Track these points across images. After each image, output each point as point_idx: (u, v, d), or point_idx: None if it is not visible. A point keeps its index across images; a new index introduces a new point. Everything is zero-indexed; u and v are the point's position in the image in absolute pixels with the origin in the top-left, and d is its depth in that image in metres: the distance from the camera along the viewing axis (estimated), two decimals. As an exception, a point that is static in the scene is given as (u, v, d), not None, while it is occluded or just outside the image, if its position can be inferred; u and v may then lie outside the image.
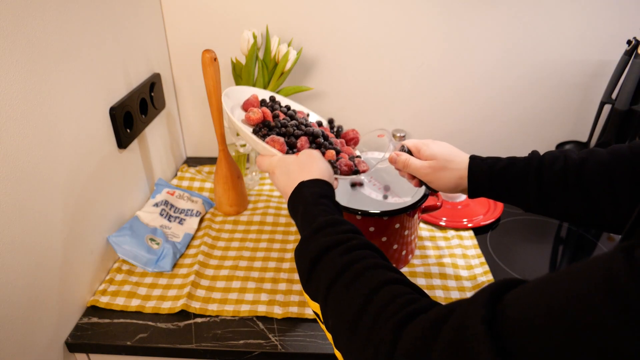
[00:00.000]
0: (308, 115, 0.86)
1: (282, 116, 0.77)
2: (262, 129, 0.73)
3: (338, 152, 0.75)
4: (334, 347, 0.43)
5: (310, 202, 0.56)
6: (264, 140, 0.70)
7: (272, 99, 0.84)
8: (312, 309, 0.49)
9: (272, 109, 0.79)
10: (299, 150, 0.71)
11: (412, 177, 0.73)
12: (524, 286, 0.31)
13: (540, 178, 0.60)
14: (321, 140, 0.74)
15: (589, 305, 0.26)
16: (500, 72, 1.11)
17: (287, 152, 0.70)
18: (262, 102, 0.82)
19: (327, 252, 0.47)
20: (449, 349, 0.32)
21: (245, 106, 0.80)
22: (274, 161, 0.67)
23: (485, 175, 0.64)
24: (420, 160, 0.70)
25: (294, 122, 0.76)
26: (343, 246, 0.47)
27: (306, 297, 0.50)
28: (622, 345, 0.24)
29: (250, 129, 0.74)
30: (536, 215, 1.03)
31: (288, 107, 0.81)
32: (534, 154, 0.64)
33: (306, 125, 0.76)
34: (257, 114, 0.74)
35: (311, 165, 0.62)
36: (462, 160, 0.67)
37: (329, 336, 0.45)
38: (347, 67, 1.12)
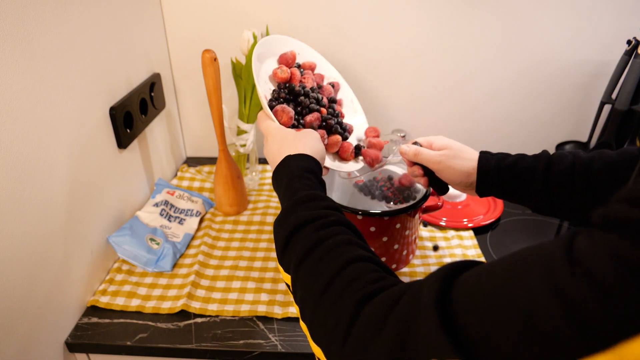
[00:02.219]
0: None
1: (309, 85, 0.74)
2: (283, 90, 0.71)
3: (345, 139, 0.74)
4: (300, 319, 0.45)
5: (296, 174, 0.55)
6: (277, 104, 0.69)
7: (310, 67, 0.80)
8: (284, 280, 0.50)
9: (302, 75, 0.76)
10: (305, 125, 0.70)
11: (422, 175, 0.72)
12: (477, 267, 0.33)
13: (548, 173, 0.61)
14: (333, 122, 0.72)
15: (526, 285, 0.27)
16: (500, 73, 1.11)
17: (292, 126, 0.69)
18: (298, 66, 0.78)
19: (304, 225, 0.48)
20: (399, 322, 0.34)
21: (281, 60, 0.76)
22: (271, 127, 0.66)
23: (494, 169, 0.64)
24: (432, 150, 0.69)
25: (315, 95, 0.73)
26: (320, 221, 0.48)
27: (280, 269, 0.50)
28: (552, 327, 0.25)
29: (266, 86, 0.72)
30: (536, 215, 1.04)
31: (315, 88, 0.76)
32: (544, 152, 0.64)
33: (322, 105, 0.74)
34: (285, 73, 0.72)
35: (306, 142, 0.62)
36: (472, 153, 0.67)
37: (296, 308, 0.46)
38: (346, 67, 1.12)
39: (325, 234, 0.46)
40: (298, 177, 0.55)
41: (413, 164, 0.72)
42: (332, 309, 0.39)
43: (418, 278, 0.83)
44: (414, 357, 0.31)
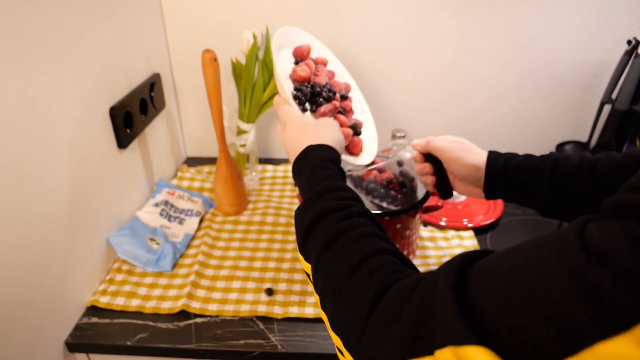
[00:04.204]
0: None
1: (323, 82, 0.75)
2: (306, 87, 0.72)
3: (357, 134, 0.75)
4: (320, 308, 0.45)
5: (317, 165, 0.56)
6: (301, 96, 0.70)
7: (323, 62, 0.81)
8: (304, 269, 0.50)
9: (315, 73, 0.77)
10: (318, 115, 0.70)
11: (431, 172, 0.71)
12: (491, 255, 0.33)
13: (555, 173, 0.61)
14: (344, 116, 0.74)
15: (542, 271, 0.28)
16: (500, 72, 1.11)
17: (304, 111, 0.70)
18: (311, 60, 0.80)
19: (326, 216, 0.48)
20: (416, 311, 0.34)
21: (296, 52, 0.77)
22: (291, 114, 0.65)
23: (502, 169, 0.65)
24: (444, 140, 0.70)
25: (329, 87, 0.75)
26: (342, 212, 0.48)
27: (300, 257, 0.51)
28: (569, 311, 0.26)
29: (284, 74, 0.72)
30: (536, 215, 1.04)
31: (328, 82, 0.77)
32: (551, 153, 0.65)
33: (336, 97, 0.75)
34: (305, 71, 0.73)
35: (327, 132, 0.62)
36: (482, 151, 0.68)
37: (317, 297, 0.46)
38: (347, 67, 1.12)
39: (347, 225, 0.46)
40: (320, 168, 0.55)
41: (424, 160, 0.72)
42: (352, 301, 0.40)
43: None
44: (430, 345, 0.32)
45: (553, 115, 1.17)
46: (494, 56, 1.09)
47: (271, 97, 1.05)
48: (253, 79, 1.01)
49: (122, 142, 0.86)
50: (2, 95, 0.57)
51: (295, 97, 0.70)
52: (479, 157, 0.66)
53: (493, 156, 0.66)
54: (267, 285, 0.82)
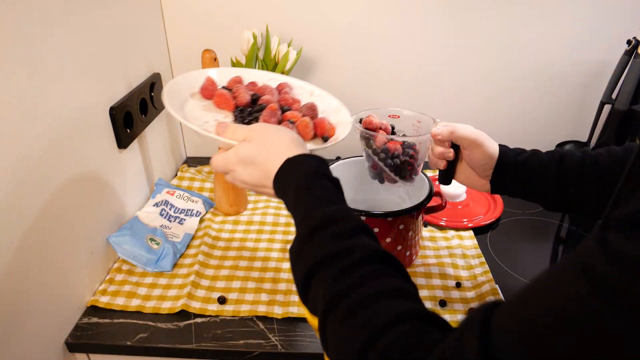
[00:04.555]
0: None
1: (245, 98, 0.69)
2: (237, 112, 0.66)
3: (314, 117, 0.68)
4: None
5: (303, 185, 0.47)
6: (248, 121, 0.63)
7: (236, 81, 0.74)
8: (309, 322, 0.44)
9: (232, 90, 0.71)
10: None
11: (453, 157, 0.70)
12: (507, 305, 0.32)
13: (560, 167, 0.63)
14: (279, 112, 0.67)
15: (575, 301, 0.27)
16: (499, 72, 1.11)
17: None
18: (224, 88, 0.73)
19: (325, 266, 0.41)
20: None
21: (204, 92, 0.71)
22: (229, 155, 0.54)
23: (512, 163, 0.66)
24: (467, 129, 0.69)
25: (255, 97, 0.69)
26: (345, 262, 0.40)
27: (304, 309, 0.45)
28: (613, 333, 0.25)
29: (201, 122, 0.65)
30: (536, 215, 1.04)
31: (255, 94, 0.71)
32: (557, 149, 0.67)
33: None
34: (244, 98, 0.68)
35: (279, 140, 0.52)
36: (495, 143, 0.69)
37: (326, 356, 0.41)
38: (347, 67, 1.12)
39: (354, 282, 0.39)
40: (306, 189, 0.46)
41: (450, 146, 0.70)
42: None
43: (419, 279, 0.83)
44: None
45: (553, 115, 1.17)
46: (493, 56, 1.09)
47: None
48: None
49: (122, 142, 0.86)
50: (2, 95, 0.57)
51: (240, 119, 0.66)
52: (494, 148, 0.67)
53: (504, 149, 0.68)
54: (267, 285, 0.82)
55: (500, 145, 0.68)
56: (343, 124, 0.71)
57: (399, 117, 0.79)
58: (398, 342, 0.34)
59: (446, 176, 0.73)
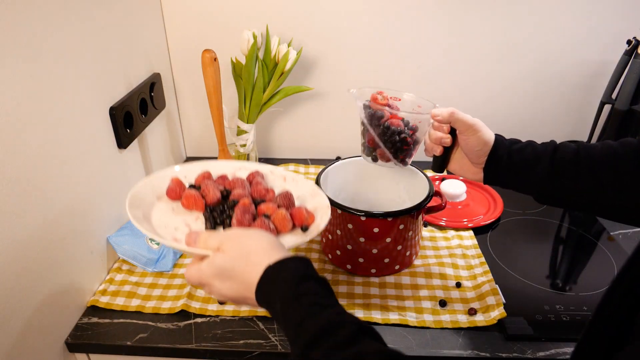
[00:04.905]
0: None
1: (215, 197, 0.66)
2: (207, 213, 0.64)
3: (289, 206, 0.66)
4: None
5: (288, 296, 0.43)
6: (220, 222, 0.61)
7: (204, 176, 0.71)
8: None
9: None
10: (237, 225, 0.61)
11: (448, 145, 0.70)
12: None
13: (554, 157, 0.63)
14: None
15: None
16: (500, 72, 1.11)
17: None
18: (191, 186, 0.69)
19: None
20: None
21: (170, 194, 0.67)
22: (203, 268, 0.50)
23: (507, 151, 0.66)
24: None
25: (225, 193, 0.67)
26: None
27: None
28: None
29: (170, 230, 0.63)
30: (536, 215, 1.04)
31: (223, 189, 0.68)
32: (552, 141, 0.67)
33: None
34: (213, 197, 0.65)
35: (255, 246, 0.48)
36: (491, 132, 0.69)
37: None
38: (347, 67, 1.12)
39: None
40: (293, 299, 0.43)
41: (449, 131, 0.70)
42: None
43: (419, 279, 0.83)
44: None
45: (553, 114, 1.17)
46: (494, 56, 1.09)
47: (271, 97, 1.05)
48: (253, 79, 1.01)
49: (122, 142, 0.86)
50: (2, 95, 0.57)
51: (217, 222, 0.63)
52: (490, 136, 0.68)
53: (499, 137, 0.68)
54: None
55: (496, 134, 0.68)
56: (321, 209, 0.67)
57: (400, 99, 0.79)
58: None
59: (440, 163, 0.73)
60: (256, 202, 0.66)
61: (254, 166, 0.76)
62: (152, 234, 0.56)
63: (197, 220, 0.66)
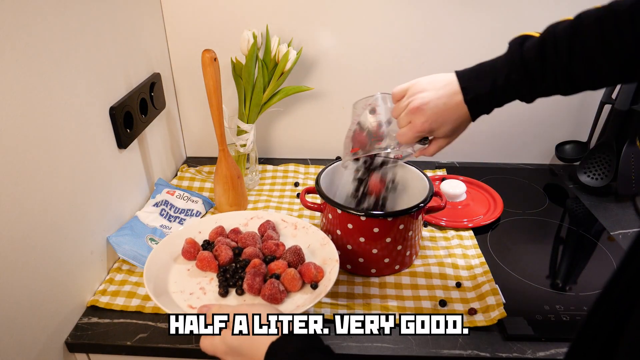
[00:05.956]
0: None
1: (227, 256, 0.72)
2: (221, 275, 0.70)
3: (296, 265, 0.71)
4: None
5: None
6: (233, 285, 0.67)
7: (218, 231, 0.78)
8: None
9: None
10: (251, 291, 0.67)
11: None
12: None
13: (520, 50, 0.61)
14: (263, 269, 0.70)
15: None
16: (500, 72, 1.11)
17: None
18: (205, 246, 0.77)
19: None
20: None
21: (187, 256, 0.75)
22: (217, 344, 0.54)
23: (487, 94, 0.63)
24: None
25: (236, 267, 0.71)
26: None
27: None
28: None
29: (185, 298, 0.69)
30: (536, 215, 1.04)
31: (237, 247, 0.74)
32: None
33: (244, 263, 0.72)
34: (224, 257, 0.71)
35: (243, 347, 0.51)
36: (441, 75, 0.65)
37: None
38: (347, 67, 1.12)
39: None
40: None
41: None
42: None
43: (419, 279, 0.83)
44: None
45: (553, 115, 1.17)
46: (495, 55, 1.09)
47: (271, 97, 1.05)
48: (253, 79, 1.01)
49: (122, 142, 0.86)
50: (2, 95, 0.57)
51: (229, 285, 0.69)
52: (443, 76, 0.65)
53: (468, 94, 0.64)
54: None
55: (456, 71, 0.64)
56: (330, 263, 0.71)
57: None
58: None
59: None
60: (267, 260, 0.71)
61: (265, 216, 0.81)
62: (167, 309, 0.62)
63: (211, 282, 0.71)
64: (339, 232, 0.81)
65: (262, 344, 0.49)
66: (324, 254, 0.75)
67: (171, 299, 0.67)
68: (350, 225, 0.79)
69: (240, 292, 0.69)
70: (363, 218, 0.77)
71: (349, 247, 0.81)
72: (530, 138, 1.20)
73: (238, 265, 0.71)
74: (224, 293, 0.68)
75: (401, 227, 0.78)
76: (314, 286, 0.68)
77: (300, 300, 0.66)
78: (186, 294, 0.69)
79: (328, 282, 0.67)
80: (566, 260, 0.91)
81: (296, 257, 0.71)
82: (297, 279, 0.67)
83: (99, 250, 0.82)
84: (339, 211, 0.78)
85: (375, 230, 0.78)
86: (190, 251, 0.74)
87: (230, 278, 0.70)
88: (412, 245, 0.84)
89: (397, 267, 0.84)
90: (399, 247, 0.81)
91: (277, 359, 0.47)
